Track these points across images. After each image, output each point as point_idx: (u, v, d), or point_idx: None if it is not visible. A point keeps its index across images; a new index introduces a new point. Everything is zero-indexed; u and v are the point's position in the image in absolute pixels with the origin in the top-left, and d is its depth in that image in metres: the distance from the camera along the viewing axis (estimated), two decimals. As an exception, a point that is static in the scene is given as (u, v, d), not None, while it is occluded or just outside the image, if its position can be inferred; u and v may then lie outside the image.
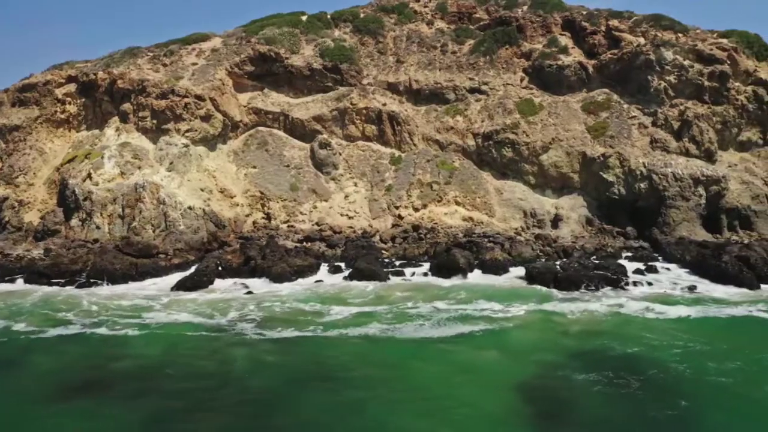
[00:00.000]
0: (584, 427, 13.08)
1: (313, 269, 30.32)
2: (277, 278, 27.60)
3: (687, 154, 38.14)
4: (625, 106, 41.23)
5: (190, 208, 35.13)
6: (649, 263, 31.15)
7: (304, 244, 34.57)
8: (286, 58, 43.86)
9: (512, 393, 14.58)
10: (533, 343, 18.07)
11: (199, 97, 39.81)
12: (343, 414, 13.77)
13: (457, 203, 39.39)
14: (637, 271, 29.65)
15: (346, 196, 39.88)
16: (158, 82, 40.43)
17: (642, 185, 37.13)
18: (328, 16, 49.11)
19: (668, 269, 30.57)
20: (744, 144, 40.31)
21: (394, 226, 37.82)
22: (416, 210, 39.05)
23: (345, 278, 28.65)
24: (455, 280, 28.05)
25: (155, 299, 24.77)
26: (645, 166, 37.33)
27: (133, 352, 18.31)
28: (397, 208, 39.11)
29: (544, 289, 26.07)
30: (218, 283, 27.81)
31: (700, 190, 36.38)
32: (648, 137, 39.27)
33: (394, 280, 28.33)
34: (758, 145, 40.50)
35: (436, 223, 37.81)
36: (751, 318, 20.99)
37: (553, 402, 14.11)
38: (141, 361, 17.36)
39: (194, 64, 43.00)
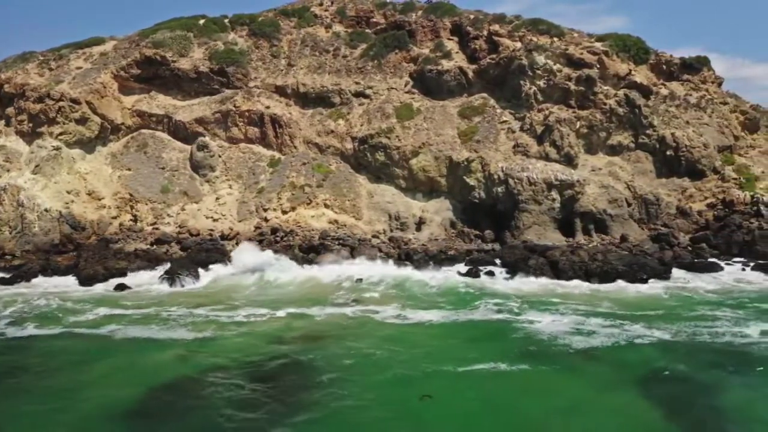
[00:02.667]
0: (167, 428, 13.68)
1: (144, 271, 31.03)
2: (86, 280, 28.24)
3: (546, 158, 38.40)
4: (499, 111, 41.60)
5: (46, 210, 35.89)
6: (479, 267, 31.51)
7: (154, 246, 35.25)
8: (173, 61, 44.50)
9: (145, 393, 15.16)
10: (228, 349, 18.27)
11: (75, 101, 40.54)
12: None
13: (327, 206, 39.80)
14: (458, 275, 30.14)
15: (218, 199, 40.45)
16: (37, 87, 41.24)
17: (499, 189, 37.40)
18: (226, 21, 49.72)
19: (492, 273, 30.95)
20: (615, 147, 40.55)
21: (255, 228, 38.38)
22: (284, 212, 39.50)
23: (164, 281, 29.33)
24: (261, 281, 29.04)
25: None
26: (503, 171, 37.60)
27: None
28: (265, 210, 39.58)
29: (342, 292, 26.76)
30: (34, 281, 28.65)
31: (554, 194, 36.61)
32: (513, 142, 39.60)
33: (206, 282, 29.02)
34: (630, 148, 40.74)
35: (300, 226, 38.27)
36: (492, 323, 21.41)
37: (164, 404, 14.68)
38: None
39: (79, 68, 43.80)
